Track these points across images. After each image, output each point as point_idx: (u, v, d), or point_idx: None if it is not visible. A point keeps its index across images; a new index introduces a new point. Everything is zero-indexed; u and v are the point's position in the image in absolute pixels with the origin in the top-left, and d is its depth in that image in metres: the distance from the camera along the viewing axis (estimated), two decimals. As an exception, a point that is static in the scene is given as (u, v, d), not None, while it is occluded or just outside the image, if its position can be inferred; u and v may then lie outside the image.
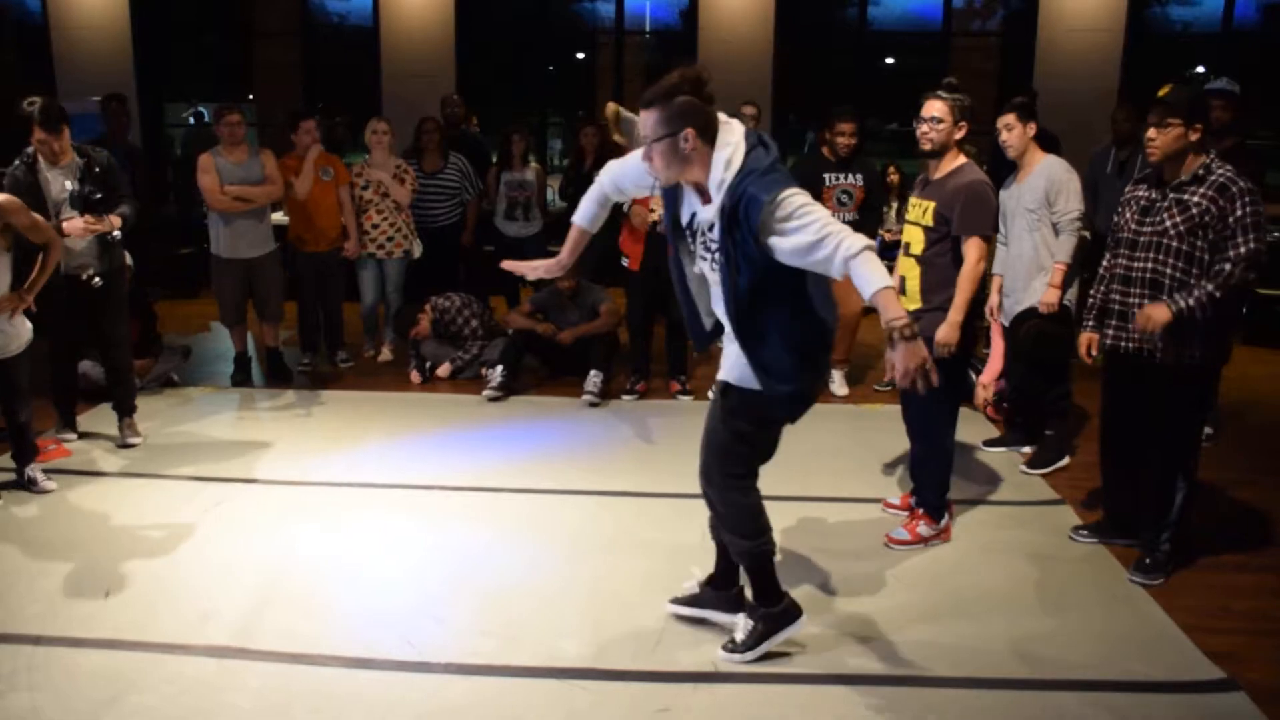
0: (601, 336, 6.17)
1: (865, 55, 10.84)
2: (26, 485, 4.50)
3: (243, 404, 5.98)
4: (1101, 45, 9.58)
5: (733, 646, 3.21)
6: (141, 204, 6.55)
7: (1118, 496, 4.05)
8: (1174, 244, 3.57)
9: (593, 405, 5.89)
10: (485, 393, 6.00)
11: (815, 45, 11.43)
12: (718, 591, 3.41)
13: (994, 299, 4.90)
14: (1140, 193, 3.76)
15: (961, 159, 3.94)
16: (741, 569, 3.29)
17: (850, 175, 5.86)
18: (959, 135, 3.91)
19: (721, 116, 2.86)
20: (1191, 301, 3.49)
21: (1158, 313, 3.53)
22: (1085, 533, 4.12)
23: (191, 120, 11.89)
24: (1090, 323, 3.95)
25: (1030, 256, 4.69)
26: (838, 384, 6.16)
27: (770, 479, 4.13)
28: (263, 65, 12.02)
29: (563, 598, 3.60)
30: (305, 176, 6.21)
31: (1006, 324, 4.91)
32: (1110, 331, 3.83)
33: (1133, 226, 3.73)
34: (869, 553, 3.99)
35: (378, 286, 6.76)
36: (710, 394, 3.30)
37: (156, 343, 6.50)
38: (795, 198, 2.73)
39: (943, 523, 4.09)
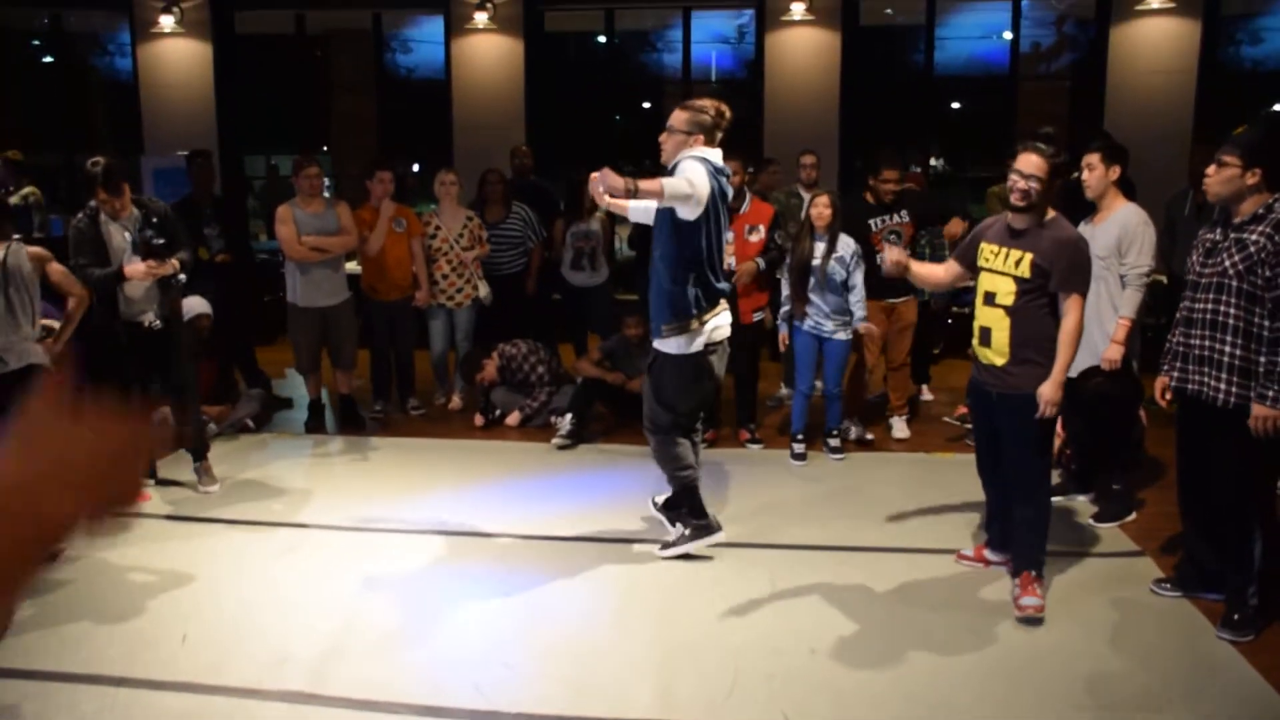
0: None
1: (931, 100, 10.80)
2: None
3: (316, 450, 6.10)
4: (1173, 86, 9.39)
5: (663, 545, 4.33)
6: (234, 255, 6.83)
7: (1199, 547, 3.91)
8: (1233, 283, 3.50)
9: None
10: (554, 441, 6.03)
11: (881, 92, 11.42)
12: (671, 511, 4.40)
13: None
14: (1209, 235, 3.72)
15: (1051, 210, 3.83)
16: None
17: (896, 215, 5.91)
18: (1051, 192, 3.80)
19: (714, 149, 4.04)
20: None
21: (1265, 412, 3.41)
22: (1168, 585, 3.99)
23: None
24: (1165, 366, 3.86)
25: (1091, 304, 4.52)
26: (898, 428, 6.08)
27: (841, 529, 4.03)
28: (338, 117, 12.37)
29: (633, 646, 3.59)
30: (378, 234, 6.34)
31: None
32: (1175, 374, 3.75)
33: (1197, 269, 3.70)
34: (944, 604, 3.91)
35: (447, 334, 6.85)
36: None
37: (234, 389, 6.67)
38: (696, 174, 3.82)
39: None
